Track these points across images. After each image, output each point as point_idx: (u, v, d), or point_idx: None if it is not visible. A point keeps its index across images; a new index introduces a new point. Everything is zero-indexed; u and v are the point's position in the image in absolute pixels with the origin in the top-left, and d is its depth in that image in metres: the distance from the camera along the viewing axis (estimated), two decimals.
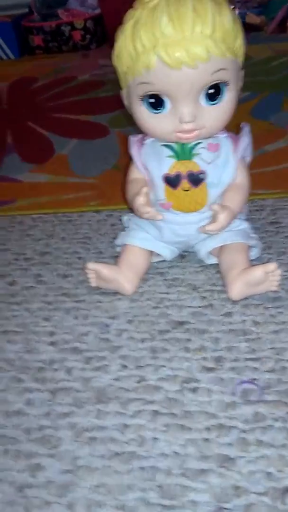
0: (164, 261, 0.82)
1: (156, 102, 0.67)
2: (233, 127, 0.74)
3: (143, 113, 0.68)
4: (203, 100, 0.66)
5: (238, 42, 0.66)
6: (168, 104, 0.66)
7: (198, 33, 0.61)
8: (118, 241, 0.82)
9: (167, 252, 0.80)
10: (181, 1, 0.61)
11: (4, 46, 2.21)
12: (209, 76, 0.64)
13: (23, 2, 2.32)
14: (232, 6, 1.88)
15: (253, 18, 2.10)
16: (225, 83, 0.66)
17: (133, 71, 0.66)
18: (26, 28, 2.21)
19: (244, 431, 0.56)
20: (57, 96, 1.67)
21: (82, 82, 1.78)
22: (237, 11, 2.06)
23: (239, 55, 0.67)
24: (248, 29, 2.08)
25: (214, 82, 0.65)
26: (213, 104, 0.67)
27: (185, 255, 0.84)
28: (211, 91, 0.66)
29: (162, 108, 0.67)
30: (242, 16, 2.09)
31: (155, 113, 0.67)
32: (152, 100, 0.67)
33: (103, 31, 2.19)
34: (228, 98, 0.68)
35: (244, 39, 0.67)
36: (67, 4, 2.23)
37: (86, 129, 1.41)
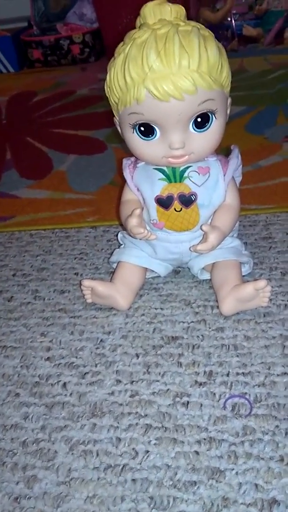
0: (158, 276, 0.84)
1: (147, 130, 0.69)
2: (225, 143, 0.75)
3: (134, 140, 0.71)
4: (191, 128, 0.69)
5: (224, 74, 0.68)
6: (158, 131, 0.69)
7: (185, 67, 0.63)
8: (113, 258, 0.83)
9: (161, 269, 0.82)
10: (168, 36, 0.63)
11: (4, 59, 2.24)
12: (196, 107, 0.67)
13: (22, 16, 2.35)
14: (229, 19, 1.89)
15: (250, 30, 2.12)
16: (213, 112, 0.68)
17: (124, 102, 0.68)
18: (26, 42, 2.23)
19: (234, 444, 0.57)
20: (56, 111, 1.69)
21: (80, 96, 1.79)
22: (233, 23, 2.07)
23: (225, 85, 0.69)
24: (245, 41, 2.10)
25: (202, 112, 0.67)
26: (201, 131, 0.69)
27: (179, 270, 0.85)
28: (199, 119, 0.68)
29: (152, 135, 0.69)
30: (239, 28, 2.10)
31: (146, 140, 0.70)
32: (143, 129, 0.69)
33: (102, 45, 2.22)
34: (216, 125, 0.70)
35: (229, 70, 0.69)
36: (66, 18, 2.26)
37: (85, 144, 1.42)
